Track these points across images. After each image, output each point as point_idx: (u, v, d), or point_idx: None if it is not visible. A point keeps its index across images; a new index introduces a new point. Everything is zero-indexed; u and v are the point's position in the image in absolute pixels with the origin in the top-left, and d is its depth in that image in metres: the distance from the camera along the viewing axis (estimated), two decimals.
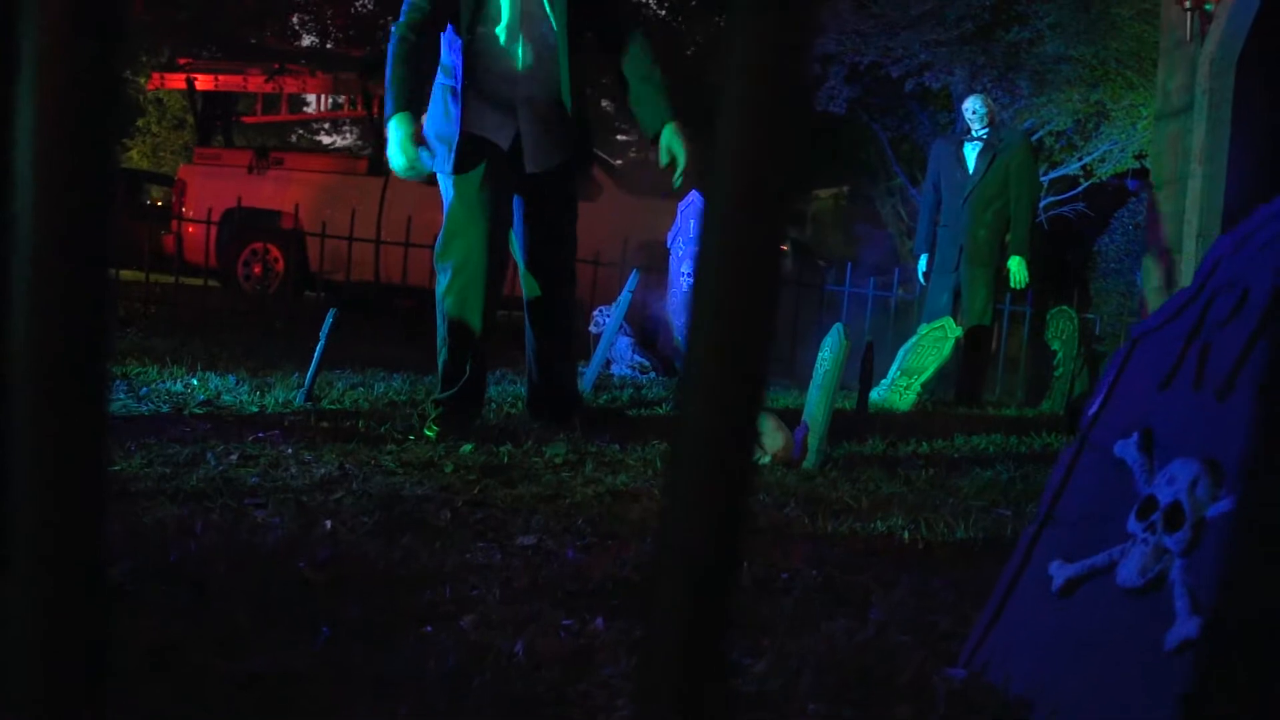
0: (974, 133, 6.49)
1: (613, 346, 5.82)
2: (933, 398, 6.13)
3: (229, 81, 10.67)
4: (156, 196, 15.23)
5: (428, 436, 3.23)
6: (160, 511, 2.07)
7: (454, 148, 3.37)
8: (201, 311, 7.85)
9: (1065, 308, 6.94)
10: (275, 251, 10.30)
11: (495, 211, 3.39)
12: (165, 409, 3.51)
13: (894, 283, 7.69)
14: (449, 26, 3.42)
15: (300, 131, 20.38)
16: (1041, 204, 11.48)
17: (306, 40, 12.50)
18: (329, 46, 12.38)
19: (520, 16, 3.39)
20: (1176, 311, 1.40)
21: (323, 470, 2.60)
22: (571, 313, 3.80)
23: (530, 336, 3.72)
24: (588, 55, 3.60)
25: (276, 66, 10.40)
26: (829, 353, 3.53)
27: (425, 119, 3.47)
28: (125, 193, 15.66)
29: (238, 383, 4.21)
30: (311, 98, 11.61)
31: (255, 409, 3.66)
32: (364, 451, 2.92)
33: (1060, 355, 6.71)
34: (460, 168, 3.38)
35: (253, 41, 10.38)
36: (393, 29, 3.37)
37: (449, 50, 3.44)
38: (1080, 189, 11.16)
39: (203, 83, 10.69)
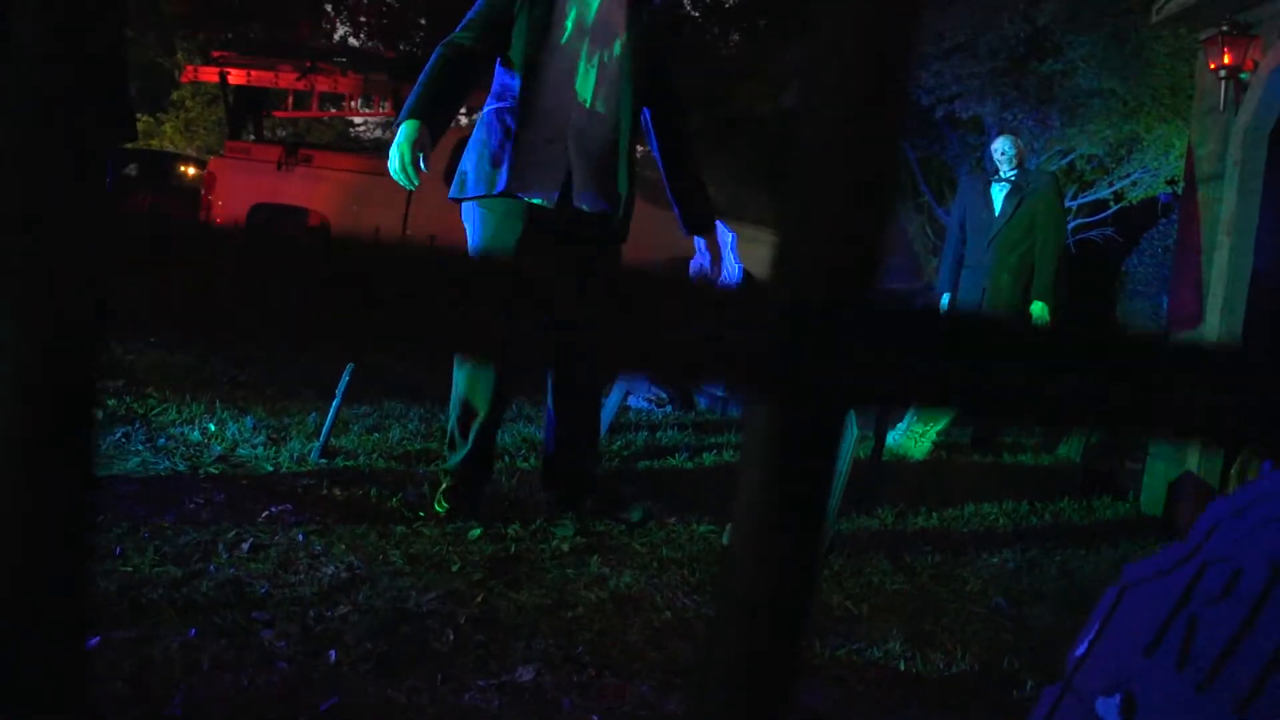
0: (1002, 174, 6.45)
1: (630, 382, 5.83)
2: (949, 440, 6.13)
3: (261, 77, 10.71)
4: (185, 175, 15.34)
5: (437, 512, 3.24)
6: (168, 637, 2.11)
7: (494, 179, 3.21)
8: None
9: None
10: None
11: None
12: (182, 466, 3.55)
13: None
14: (499, 60, 3.28)
15: (332, 128, 20.40)
16: (1071, 225, 11.41)
17: (339, 36, 12.53)
18: (361, 43, 12.42)
19: (592, 51, 3.26)
20: (1170, 568, 1.41)
21: (330, 570, 2.64)
22: (598, 393, 3.69)
23: (550, 410, 3.55)
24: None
25: (309, 64, 10.43)
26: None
27: (470, 142, 3.33)
28: (155, 174, 15.82)
29: (255, 427, 4.25)
30: (343, 96, 11.63)
31: (270, 467, 3.70)
32: (374, 539, 2.96)
33: None
34: (494, 232, 3.23)
35: (284, 38, 10.39)
36: (440, 44, 3.22)
37: (503, 75, 3.28)
38: (1110, 212, 11.06)
39: (235, 76, 10.73)
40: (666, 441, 5.28)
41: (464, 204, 3.34)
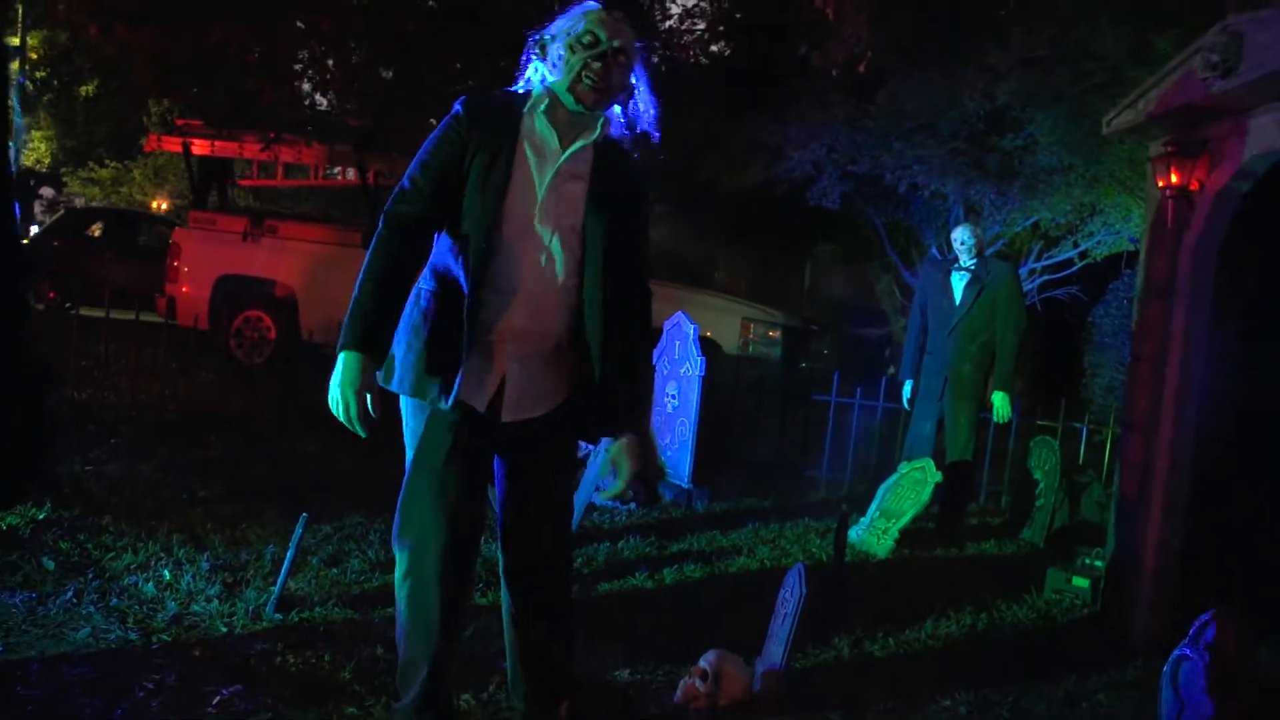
0: (962, 263, 6.51)
1: (593, 482, 5.82)
2: (915, 527, 6.13)
3: (225, 147, 10.70)
4: (153, 237, 15.25)
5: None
6: None
7: (426, 387, 2.72)
8: (188, 405, 7.87)
9: (1047, 438, 6.98)
10: (268, 320, 10.33)
11: (464, 487, 2.75)
12: (134, 635, 3.53)
13: (880, 392, 7.70)
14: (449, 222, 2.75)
15: (302, 197, 20.26)
16: (1037, 283, 11.51)
17: (307, 102, 12.50)
18: (326, 105, 12.44)
19: (554, 221, 2.74)
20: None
21: None
22: (564, 591, 3.05)
23: (508, 613, 2.98)
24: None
25: (273, 135, 10.43)
26: (789, 594, 3.54)
27: (401, 322, 2.77)
28: (121, 235, 15.71)
29: (211, 571, 4.22)
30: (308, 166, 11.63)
31: (224, 628, 3.68)
32: None
33: (1042, 485, 6.74)
34: (424, 438, 2.77)
35: (248, 108, 10.38)
36: (383, 214, 2.73)
37: (445, 252, 2.76)
38: (1075, 269, 11.16)
39: (199, 147, 10.71)
40: (629, 553, 5.28)
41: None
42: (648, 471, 6.87)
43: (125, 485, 5.59)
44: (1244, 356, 4.75)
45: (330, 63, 11.93)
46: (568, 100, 2.74)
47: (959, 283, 6.48)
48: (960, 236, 6.56)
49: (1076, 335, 13.67)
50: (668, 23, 11.76)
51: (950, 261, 6.64)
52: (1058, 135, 8.24)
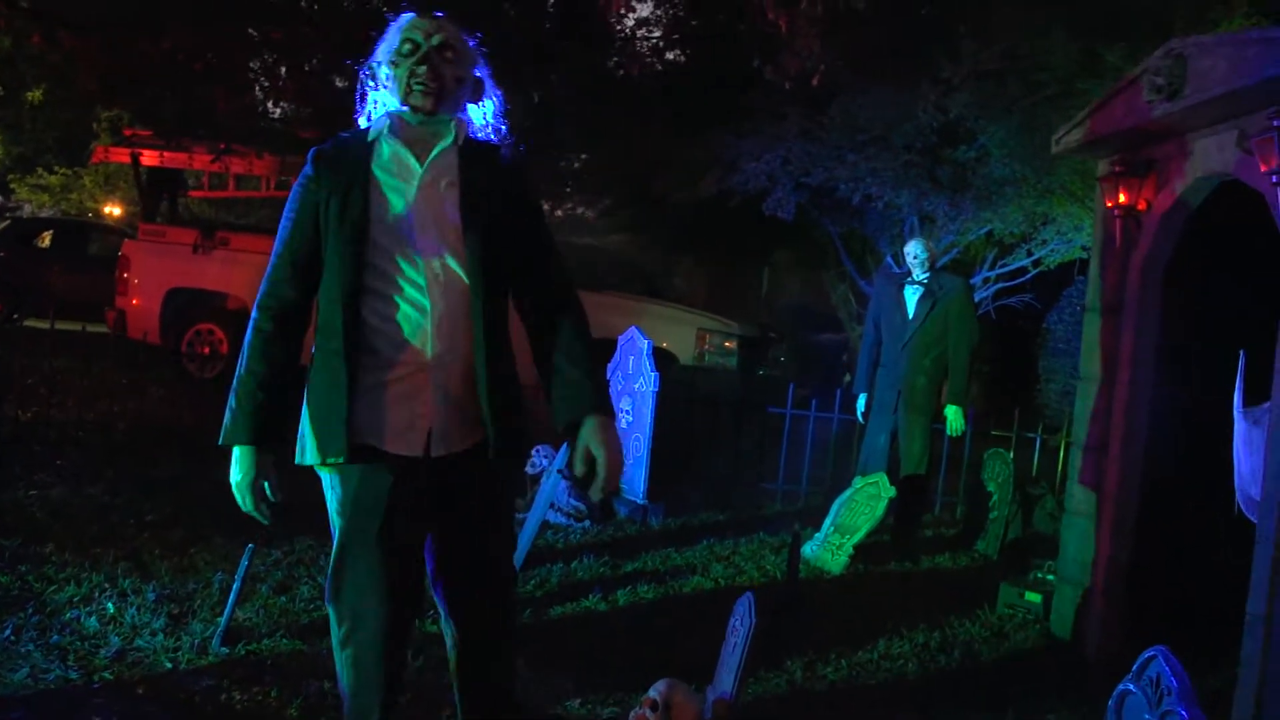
0: (915, 276, 6.54)
1: (547, 500, 5.78)
2: (870, 541, 6.13)
3: (174, 158, 10.56)
4: (103, 247, 15.02)
5: None
6: None
7: (341, 440, 2.53)
8: (138, 422, 7.74)
9: (1000, 450, 7.03)
10: (220, 333, 10.20)
11: (401, 554, 2.63)
12: (74, 674, 3.45)
13: (836, 404, 7.71)
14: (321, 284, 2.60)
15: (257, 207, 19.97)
16: (991, 290, 11.60)
17: (261, 110, 12.34)
18: (279, 113, 12.29)
19: (427, 241, 2.57)
20: None
21: None
22: (508, 626, 2.88)
23: (452, 647, 2.83)
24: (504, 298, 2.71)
25: (223, 146, 10.30)
26: (739, 623, 3.51)
27: (305, 397, 2.63)
28: (71, 245, 15.46)
29: (156, 602, 4.15)
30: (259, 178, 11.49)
31: (169, 663, 3.62)
32: None
33: (995, 498, 6.78)
34: (351, 491, 2.60)
35: (198, 118, 10.23)
36: (255, 307, 2.62)
37: (326, 304, 2.60)
38: (1029, 276, 11.25)
39: (148, 158, 10.56)
40: (582, 574, 5.25)
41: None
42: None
43: (70, 510, 5.50)
44: (1192, 373, 4.81)
45: (283, 70, 11.79)
46: (408, 115, 2.61)
47: (912, 296, 6.50)
48: (913, 250, 6.58)
49: (1031, 342, 13.82)
50: (622, 30, 11.70)
51: (903, 275, 6.66)
52: (1010, 147, 8.31)
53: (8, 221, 16.43)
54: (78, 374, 8.17)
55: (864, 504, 6.07)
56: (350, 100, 2.80)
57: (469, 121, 2.72)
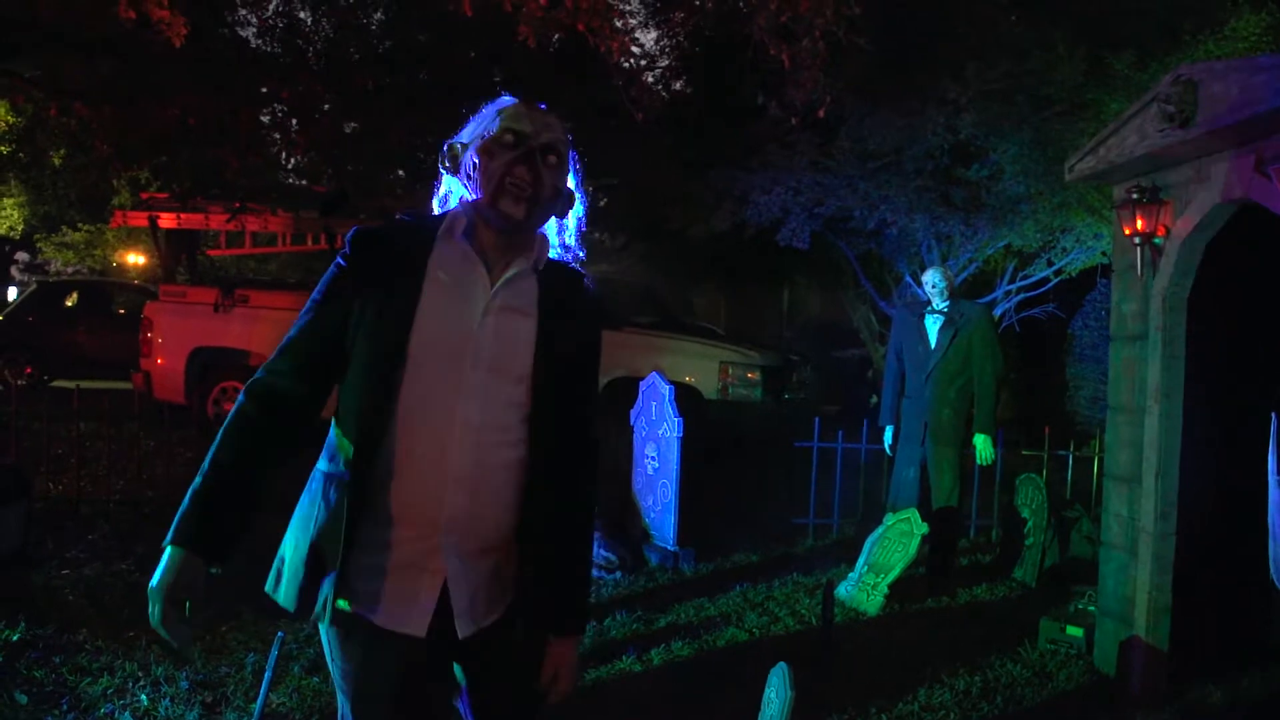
0: (934, 305, 6.48)
1: None
2: (908, 575, 6.06)
3: (190, 219, 10.65)
4: (128, 305, 15.15)
5: None
6: None
7: (323, 597, 2.06)
8: (165, 489, 7.75)
9: (1032, 476, 6.93)
10: None
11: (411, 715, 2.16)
12: None
13: (863, 434, 7.64)
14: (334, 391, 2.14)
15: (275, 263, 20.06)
16: (1013, 301, 11.50)
17: (273, 159, 12.42)
18: (292, 164, 12.37)
19: (492, 369, 2.10)
20: None
21: None
22: None
23: None
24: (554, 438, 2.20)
25: (238, 205, 10.37)
26: (774, 694, 3.46)
27: (294, 520, 2.18)
28: (95, 304, 15.62)
29: (190, 691, 4.14)
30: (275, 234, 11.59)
31: None
32: None
33: (1030, 524, 6.69)
34: (350, 665, 2.12)
35: (212, 180, 10.33)
36: (245, 386, 2.12)
37: (341, 417, 2.15)
38: (1050, 285, 11.14)
39: (165, 220, 10.66)
40: (616, 632, 5.20)
41: None
42: (634, 531, 6.78)
43: (103, 591, 5.51)
44: (1226, 403, 4.72)
45: (294, 122, 11.87)
46: (492, 217, 2.13)
47: (933, 326, 6.45)
48: (931, 279, 6.53)
49: (1057, 349, 13.70)
50: (628, 66, 11.73)
51: (923, 304, 6.60)
52: (1023, 164, 8.24)
53: (34, 286, 16.61)
54: (105, 438, 8.19)
55: (896, 541, 6.00)
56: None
57: (547, 239, 2.28)
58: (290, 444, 2.10)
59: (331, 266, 2.16)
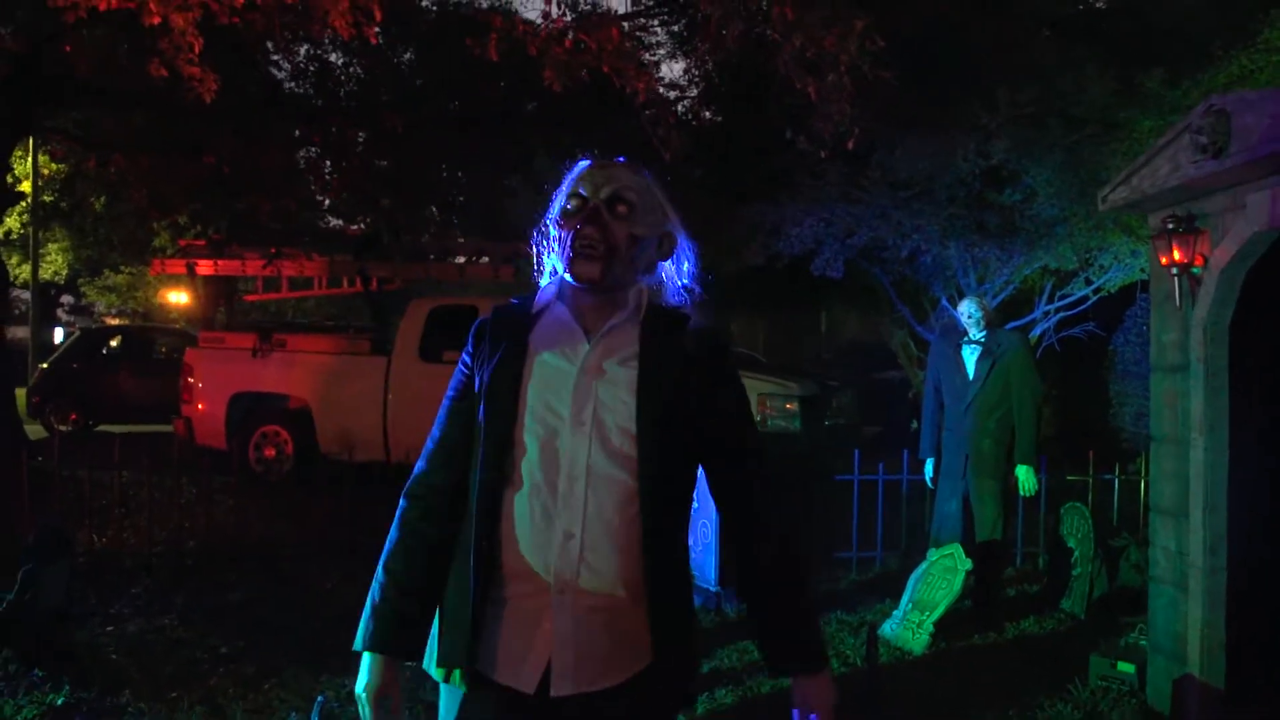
0: (971, 335, 6.40)
1: None
2: (953, 610, 5.97)
3: (228, 266, 10.79)
4: (170, 349, 15.33)
5: None
6: None
7: (444, 649, 2.16)
8: (207, 539, 7.79)
9: (1077, 505, 6.82)
10: (285, 434, 10.32)
11: None
12: None
13: (904, 465, 7.56)
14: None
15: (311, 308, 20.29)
16: (1053, 321, 11.36)
17: (309, 199, 12.58)
18: (327, 206, 12.52)
19: (592, 428, 2.09)
20: None
21: None
22: None
23: None
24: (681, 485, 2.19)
25: (274, 251, 10.48)
26: None
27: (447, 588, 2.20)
28: (137, 350, 15.84)
29: None
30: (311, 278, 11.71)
31: None
32: None
33: (1077, 554, 6.58)
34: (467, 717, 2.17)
35: (248, 225, 10.48)
36: (403, 492, 2.25)
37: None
38: (1089, 304, 10.99)
39: (203, 268, 10.80)
40: None
41: None
42: None
43: (145, 647, 5.54)
44: (1274, 433, 4.62)
45: (327, 163, 12.02)
46: (573, 281, 2.17)
47: (970, 357, 6.37)
48: (967, 310, 6.45)
49: (1099, 367, 13.50)
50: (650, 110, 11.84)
51: (959, 335, 6.52)
52: (1056, 186, 8.15)
53: (77, 333, 16.88)
54: (147, 486, 8.26)
55: (940, 577, 5.92)
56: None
57: (659, 285, 2.28)
58: (449, 530, 2.19)
59: (459, 365, 2.27)
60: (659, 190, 2.28)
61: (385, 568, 2.16)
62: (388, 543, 2.19)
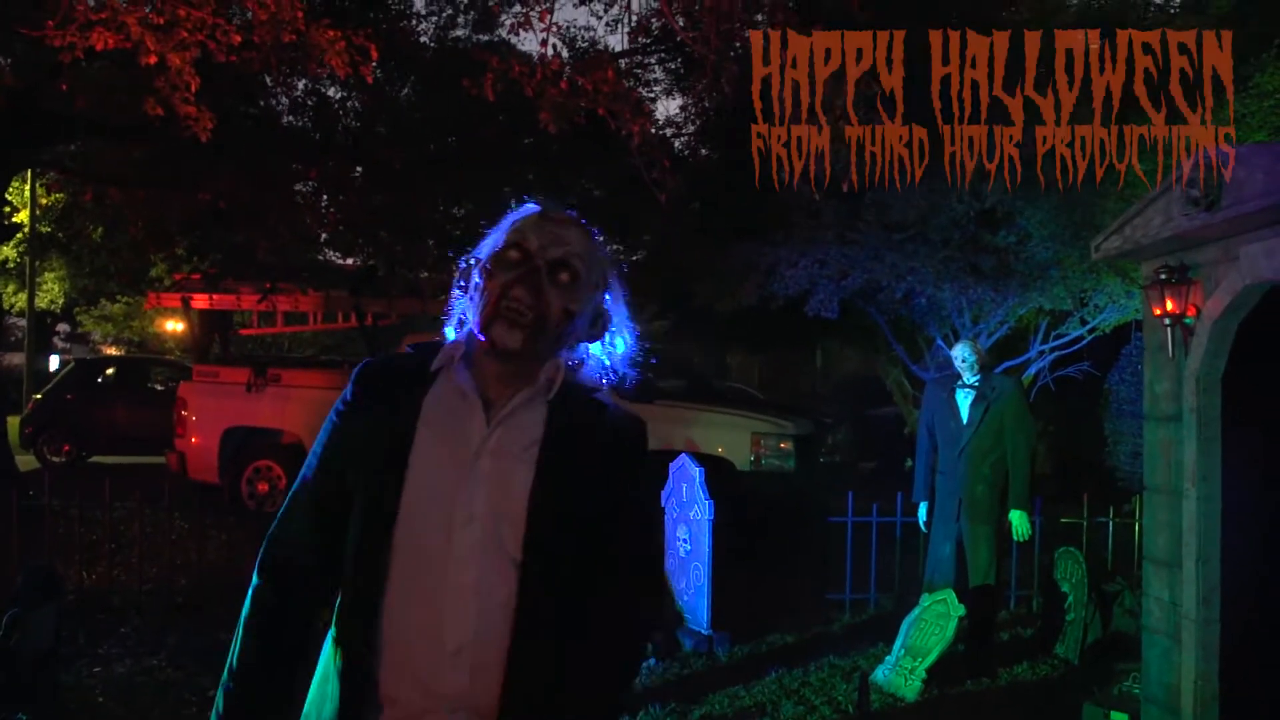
0: (965, 380, 6.40)
1: None
2: (947, 655, 5.93)
3: (223, 300, 10.80)
4: (163, 380, 15.30)
5: None
6: None
7: None
8: (198, 576, 7.74)
9: (1071, 550, 6.80)
10: (278, 469, 10.30)
11: None
12: None
13: (898, 507, 7.53)
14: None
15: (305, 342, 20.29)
16: (1047, 361, 11.35)
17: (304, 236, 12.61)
18: (324, 240, 12.53)
19: (486, 525, 1.79)
20: None
21: None
22: None
23: None
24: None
25: (269, 286, 10.50)
26: None
27: (312, 684, 1.89)
28: (131, 380, 15.80)
29: None
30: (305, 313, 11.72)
31: None
32: None
33: (1071, 599, 6.56)
34: None
35: (243, 260, 10.50)
36: (254, 573, 1.89)
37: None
38: (1084, 343, 10.99)
39: (198, 301, 10.81)
40: None
41: None
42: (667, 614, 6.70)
43: (134, 691, 5.49)
44: (1267, 484, 4.61)
45: (324, 197, 12.03)
46: (485, 345, 1.82)
47: (964, 401, 6.36)
48: (961, 354, 6.45)
49: (1095, 405, 13.49)
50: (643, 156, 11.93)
51: (953, 379, 6.52)
52: (1051, 228, 8.17)
53: (72, 364, 16.85)
54: (139, 521, 8.21)
55: (933, 623, 5.89)
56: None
57: (577, 364, 1.97)
58: (309, 607, 1.89)
59: (333, 410, 1.91)
60: (607, 260, 1.99)
61: (240, 659, 1.83)
62: (240, 632, 1.85)
